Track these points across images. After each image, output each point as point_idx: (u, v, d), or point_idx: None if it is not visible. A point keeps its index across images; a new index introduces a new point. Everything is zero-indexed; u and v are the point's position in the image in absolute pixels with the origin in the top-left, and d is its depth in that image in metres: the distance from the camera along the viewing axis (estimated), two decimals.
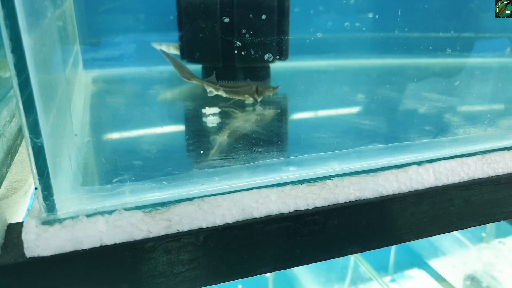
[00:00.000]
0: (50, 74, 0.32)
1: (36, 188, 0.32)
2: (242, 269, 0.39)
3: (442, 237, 1.51)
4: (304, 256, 0.41)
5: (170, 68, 0.72)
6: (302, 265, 0.42)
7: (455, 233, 1.48)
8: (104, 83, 0.64)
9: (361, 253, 0.46)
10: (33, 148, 0.31)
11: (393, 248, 1.51)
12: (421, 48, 1.02)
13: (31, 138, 0.31)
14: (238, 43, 0.68)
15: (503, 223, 1.51)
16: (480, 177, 0.48)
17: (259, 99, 0.63)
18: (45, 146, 0.31)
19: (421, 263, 1.50)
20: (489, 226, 1.53)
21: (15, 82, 0.28)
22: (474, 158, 0.48)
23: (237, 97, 0.63)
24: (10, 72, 0.28)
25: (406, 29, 1.02)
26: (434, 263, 1.48)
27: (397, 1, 1.01)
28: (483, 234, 1.55)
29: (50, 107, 0.31)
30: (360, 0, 0.98)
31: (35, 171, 0.32)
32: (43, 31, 0.30)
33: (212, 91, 0.62)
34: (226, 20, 0.70)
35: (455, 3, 1.04)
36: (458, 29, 1.04)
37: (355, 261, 1.43)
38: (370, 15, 1.00)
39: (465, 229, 0.53)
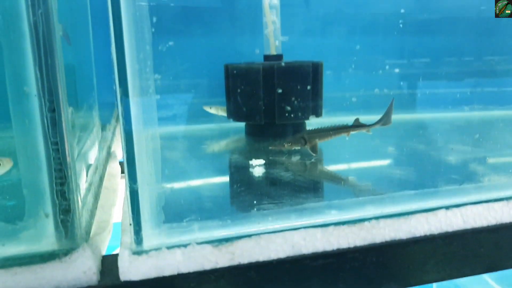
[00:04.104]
0: (145, 133, 0.41)
1: (130, 224, 0.40)
2: None
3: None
4: None
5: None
6: None
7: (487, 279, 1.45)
8: (160, 139, 0.74)
9: None
10: (130, 191, 0.39)
11: None
12: (446, 102, 1.09)
13: (129, 184, 0.39)
14: (288, 108, 0.78)
15: None
16: (508, 221, 0.53)
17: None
18: (139, 190, 0.40)
19: None
20: None
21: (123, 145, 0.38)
22: (500, 203, 0.53)
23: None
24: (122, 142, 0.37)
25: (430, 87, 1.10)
26: None
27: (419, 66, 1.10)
28: None
29: (143, 159, 0.40)
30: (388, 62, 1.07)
31: (130, 209, 0.40)
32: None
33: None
34: (268, 84, 0.80)
35: (476, 60, 1.11)
36: (482, 83, 1.11)
37: None
38: (397, 70, 1.09)
39: (496, 272, 0.57)
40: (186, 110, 0.96)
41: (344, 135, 0.74)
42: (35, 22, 0.35)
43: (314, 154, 0.71)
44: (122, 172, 0.75)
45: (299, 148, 0.71)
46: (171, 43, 0.48)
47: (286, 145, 0.70)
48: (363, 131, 0.75)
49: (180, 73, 0.95)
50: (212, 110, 0.92)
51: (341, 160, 0.73)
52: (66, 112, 0.38)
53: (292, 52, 0.92)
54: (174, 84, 0.95)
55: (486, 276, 1.47)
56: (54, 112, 0.37)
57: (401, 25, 1.03)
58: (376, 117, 0.98)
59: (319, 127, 0.73)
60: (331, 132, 0.73)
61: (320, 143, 0.73)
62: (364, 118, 0.79)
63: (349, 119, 0.77)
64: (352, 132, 0.74)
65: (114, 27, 0.36)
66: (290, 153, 0.73)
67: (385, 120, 0.76)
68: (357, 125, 0.75)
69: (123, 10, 0.36)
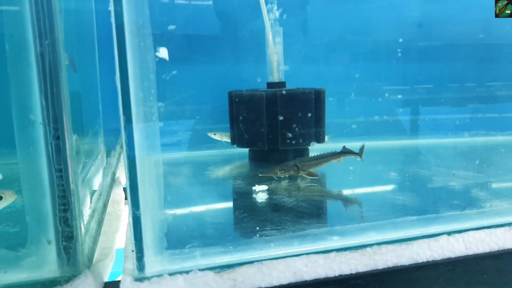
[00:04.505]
0: (148, 159, 0.41)
1: (132, 251, 0.40)
2: None
3: None
4: None
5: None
6: None
7: None
8: (165, 165, 0.75)
9: None
10: (133, 218, 0.40)
11: None
12: (448, 128, 1.10)
13: (132, 210, 0.40)
14: (290, 135, 0.79)
15: None
16: (510, 247, 0.52)
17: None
18: (141, 216, 0.40)
19: None
20: None
21: (126, 171, 0.38)
22: (502, 229, 0.53)
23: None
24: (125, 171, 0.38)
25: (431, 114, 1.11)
26: None
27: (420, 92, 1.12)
28: None
29: (146, 185, 0.41)
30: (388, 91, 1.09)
31: (132, 236, 0.40)
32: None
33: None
34: (271, 111, 0.81)
35: (478, 86, 1.12)
36: (483, 109, 1.12)
37: None
38: (399, 97, 1.10)
39: None
40: (190, 136, 0.98)
41: (335, 161, 0.77)
42: (42, 52, 0.37)
43: (316, 177, 0.72)
44: (126, 198, 0.75)
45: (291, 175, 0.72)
46: (174, 72, 0.50)
47: (279, 172, 0.70)
48: (352, 157, 0.78)
49: (185, 100, 0.97)
50: (217, 137, 0.94)
51: (344, 185, 0.73)
52: (71, 140, 0.39)
53: (296, 79, 0.94)
54: (178, 111, 0.97)
55: None
56: (59, 140, 0.38)
57: (399, 54, 1.05)
58: (378, 142, 0.99)
59: (312, 155, 0.76)
60: (322, 160, 0.75)
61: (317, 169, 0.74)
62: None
63: (353, 145, 0.78)
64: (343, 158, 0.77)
65: (119, 56, 0.37)
66: (294, 178, 0.73)
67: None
68: (345, 151, 0.77)
69: (128, 40, 0.37)
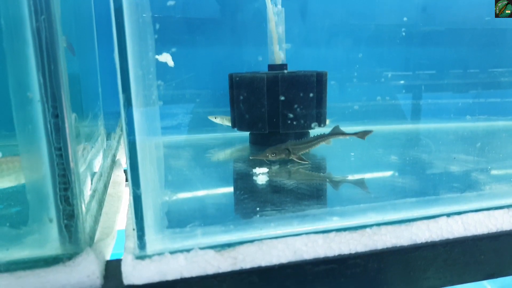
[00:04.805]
0: (149, 140, 0.41)
1: (134, 229, 0.41)
2: None
3: None
4: None
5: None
6: None
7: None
8: (165, 148, 0.75)
9: None
10: (134, 197, 0.40)
11: None
12: (450, 113, 1.10)
13: (133, 189, 0.40)
14: (291, 115, 0.79)
15: None
16: (508, 229, 0.53)
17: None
18: (142, 195, 0.40)
19: None
20: None
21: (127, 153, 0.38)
22: (501, 211, 0.53)
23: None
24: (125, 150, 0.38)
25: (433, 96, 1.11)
26: None
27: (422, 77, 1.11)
28: None
29: (146, 164, 0.41)
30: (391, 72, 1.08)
31: (133, 214, 0.40)
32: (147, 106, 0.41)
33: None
34: (272, 93, 0.81)
35: (481, 70, 1.12)
36: (485, 94, 1.12)
37: None
38: (402, 82, 1.10)
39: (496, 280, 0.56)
40: (190, 119, 0.97)
41: (324, 143, 0.77)
42: (38, 28, 0.36)
43: (307, 162, 0.72)
44: (127, 180, 0.76)
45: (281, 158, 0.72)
46: (174, 49, 0.49)
47: (270, 155, 0.70)
48: (341, 138, 0.78)
49: (185, 83, 0.96)
50: (217, 120, 0.93)
51: (344, 168, 0.73)
52: (70, 118, 0.39)
53: (297, 63, 0.93)
54: (179, 94, 0.97)
55: (486, 284, 1.45)
56: (58, 118, 0.38)
57: (403, 33, 1.04)
58: (379, 127, 0.99)
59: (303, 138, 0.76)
60: (313, 142, 0.76)
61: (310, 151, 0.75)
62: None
63: (354, 129, 0.78)
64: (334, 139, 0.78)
65: (117, 33, 0.37)
66: (286, 162, 0.73)
67: (360, 134, 0.79)
68: (335, 132, 0.78)
69: (126, 15, 0.36)
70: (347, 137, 0.78)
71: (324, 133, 0.78)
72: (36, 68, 0.37)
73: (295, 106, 0.81)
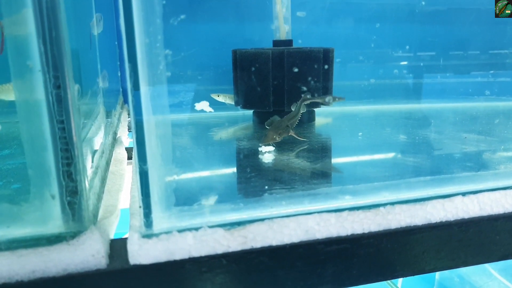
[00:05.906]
0: (156, 115, 0.39)
1: (140, 207, 0.39)
2: (305, 286, 0.44)
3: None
4: (360, 277, 0.46)
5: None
6: (357, 285, 0.46)
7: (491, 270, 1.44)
8: None
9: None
10: (140, 173, 0.38)
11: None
12: (458, 92, 1.07)
13: (139, 164, 0.38)
14: (304, 88, 0.77)
15: None
16: None
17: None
18: (149, 171, 0.38)
19: None
20: None
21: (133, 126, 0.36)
22: None
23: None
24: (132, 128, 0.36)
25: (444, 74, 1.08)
26: None
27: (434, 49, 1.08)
28: None
29: (153, 139, 0.39)
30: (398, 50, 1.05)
31: (140, 191, 0.38)
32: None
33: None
34: (277, 70, 0.78)
35: (491, 48, 1.09)
36: (495, 74, 1.09)
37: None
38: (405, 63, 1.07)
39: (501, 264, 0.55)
40: (193, 97, 0.95)
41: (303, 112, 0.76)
42: None
43: (306, 140, 0.71)
44: (129, 158, 0.74)
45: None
46: (182, 16, 0.46)
47: (277, 137, 0.67)
48: (318, 101, 0.78)
49: (187, 60, 0.93)
50: (220, 98, 0.91)
51: (353, 147, 0.72)
52: (73, 89, 0.37)
53: (302, 40, 0.90)
54: (180, 71, 0.94)
55: (489, 267, 1.46)
56: (60, 89, 0.36)
57: (416, 11, 1.01)
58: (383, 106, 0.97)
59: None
60: (297, 112, 0.74)
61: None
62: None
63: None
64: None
65: None
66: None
67: (329, 99, 0.79)
68: (305, 98, 0.76)
69: None
70: (319, 101, 0.78)
71: (296, 102, 0.75)
72: (36, 34, 0.34)
73: (301, 83, 0.79)
